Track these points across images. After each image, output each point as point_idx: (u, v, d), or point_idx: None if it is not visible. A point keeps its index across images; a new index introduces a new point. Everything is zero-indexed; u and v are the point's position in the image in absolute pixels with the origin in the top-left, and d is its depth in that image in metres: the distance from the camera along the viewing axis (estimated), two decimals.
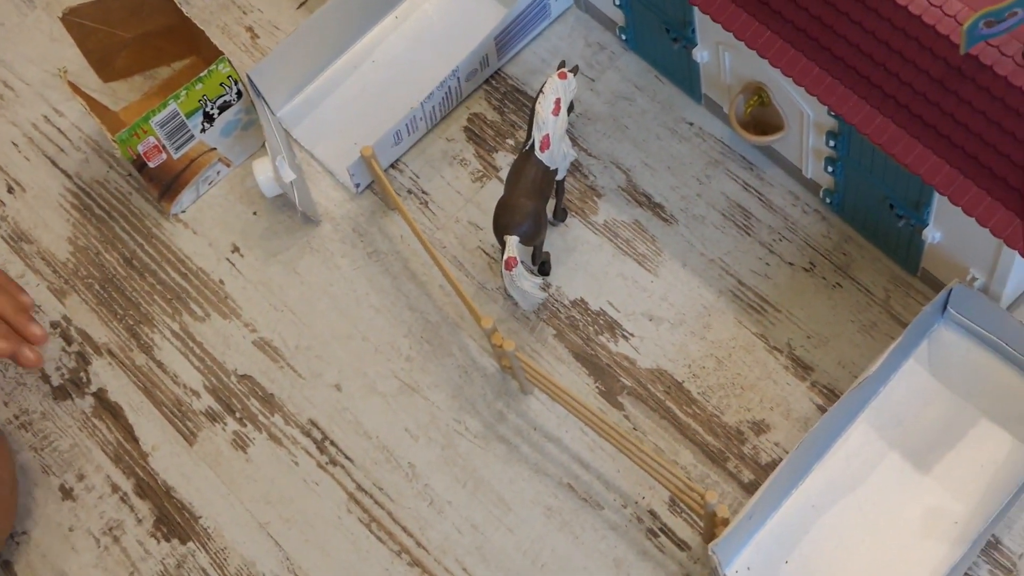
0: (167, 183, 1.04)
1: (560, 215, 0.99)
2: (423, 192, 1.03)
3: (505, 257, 0.89)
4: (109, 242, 1.06)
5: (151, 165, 1.01)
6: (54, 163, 1.10)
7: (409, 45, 1.09)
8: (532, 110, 0.94)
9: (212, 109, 1.02)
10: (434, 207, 1.03)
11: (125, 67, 1.11)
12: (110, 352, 1.02)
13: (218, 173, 1.06)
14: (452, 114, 1.06)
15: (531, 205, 0.92)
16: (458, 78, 1.02)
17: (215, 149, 1.05)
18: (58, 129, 1.12)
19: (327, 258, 1.02)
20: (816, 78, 0.82)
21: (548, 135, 0.92)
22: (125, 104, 1.10)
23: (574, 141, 1.03)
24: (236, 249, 1.04)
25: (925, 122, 0.78)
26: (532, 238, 0.91)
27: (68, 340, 1.03)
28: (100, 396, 1.00)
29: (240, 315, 1.01)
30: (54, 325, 1.03)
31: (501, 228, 0.91)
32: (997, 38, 0.74)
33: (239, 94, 1.03)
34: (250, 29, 1.13)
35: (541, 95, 0.93)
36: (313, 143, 1.06)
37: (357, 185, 1.03)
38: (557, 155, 0.93)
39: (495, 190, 1.02)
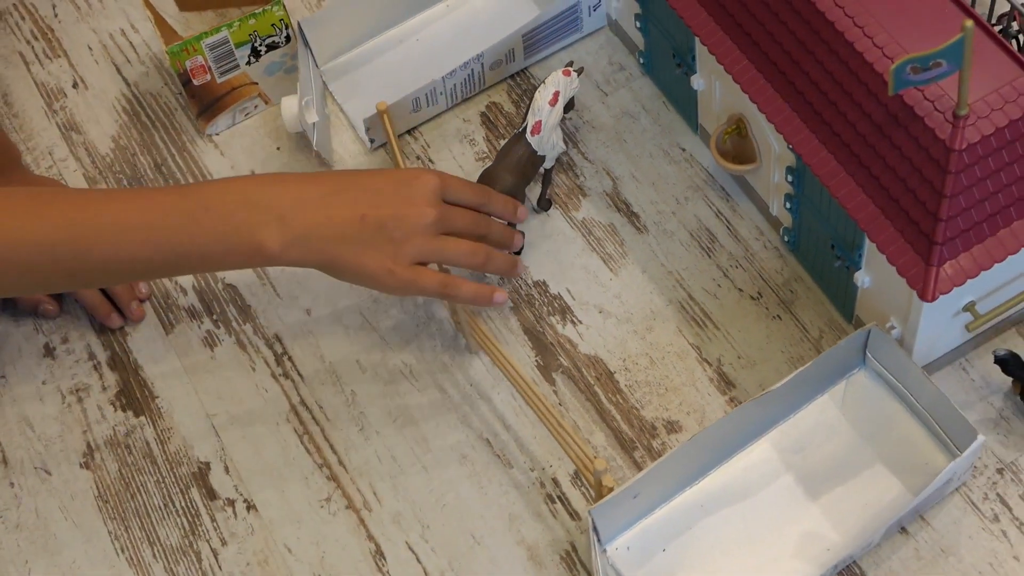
0: (208, 103, 1.13)
1: (544, 204, 1.05)
2: (429, 160, 1.11)
3: None
4: (146, 147, 1.15)
5: (195, 82, 1.10)
6: (118, 70, 1.20)
7: (453, 32, 1.17)
8: (532, 97, 1.01)
9: (260, 45, 1.11)
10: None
11: (201, 1, 1.21)
12: None
13: (255, 107, 1.15)
14: (474, 99, 1.13)
15: (511, 180, 0.99)
16: (482, 64, 1.10)
17: (257, 84, 1.13)
18: (130, 43, 1.22)
19: None
20: (777, 108, 0.88)
21: (540, 121, 0.99)
22: (192, 31, 1.19)
23: (571, 140, 1.10)
24: (252, 173, 1.12)
25: (861, 161, 0.84)
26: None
27: None
28: None
29: None
30: None
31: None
32: (933, 93, 0.79)
33: (287, 38, 1.11)
34: None
35: (543, 85, 1.00)
36: (345, 98, 1.15)
37: (372, 141, 1.11)
38: (546, 143, 1.00)
39: None
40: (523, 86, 1.14)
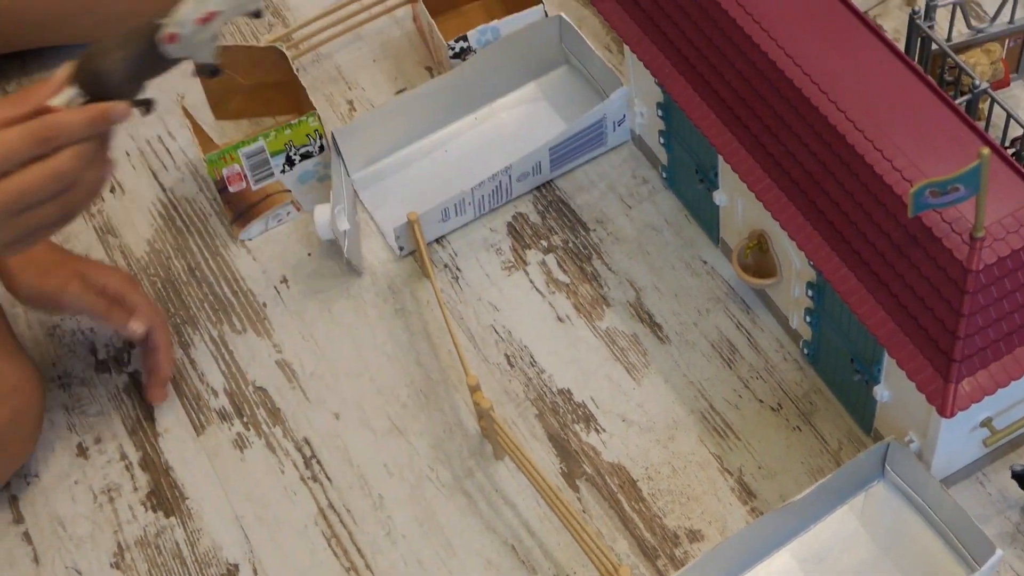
0: (242, 210, 1.16)
1: (205, 71, 0.94)
2: (457, 268, 1.14)
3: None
4: (180, 251, 1.18)
5: (231, 190, 1.14)
6: (155, 176, 1.24)
7: (481, 144, 1.20)
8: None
9: (295, 155, 1.14)
10: (463, 283, 1.13)
11: (236, 110, 1.25)
12: None
13: (288, 214, 1.18)
14: (500, 209, 1.17)
15: (120, 69, 0.88)
16: (509, 176, 1.14)
17: (290, 191, 1.17)
18: (166, 149, 1.26)
19: (359, 305, 1.13)
20: (799, 226, 0.92)
21: (177, 35, 0.88)
22: (227, 141, 1.23)
23: (595, 251, 1.13)
24: (285, 280, 1.15)
25: (880, 279, 0.87)
26: (93, 83, 0.88)
27: None
28: (134, 376, 1.11)
29: (271, 336, 1.12)
30: None
31: (85, 57, 0.89)
32: (951, 215, 0.82)
33: (321, 148, 1.15)
34: (350, 103, 1.27)
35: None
36: (375, 206, 1.18)
37: (401, 248, 1.14)
38: (177, 51, 0.89)
39: (520, 280, 1.12)
40: (548, 197, 1.17)
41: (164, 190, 1.23)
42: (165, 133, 1.27)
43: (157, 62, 0.90)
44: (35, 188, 0.83)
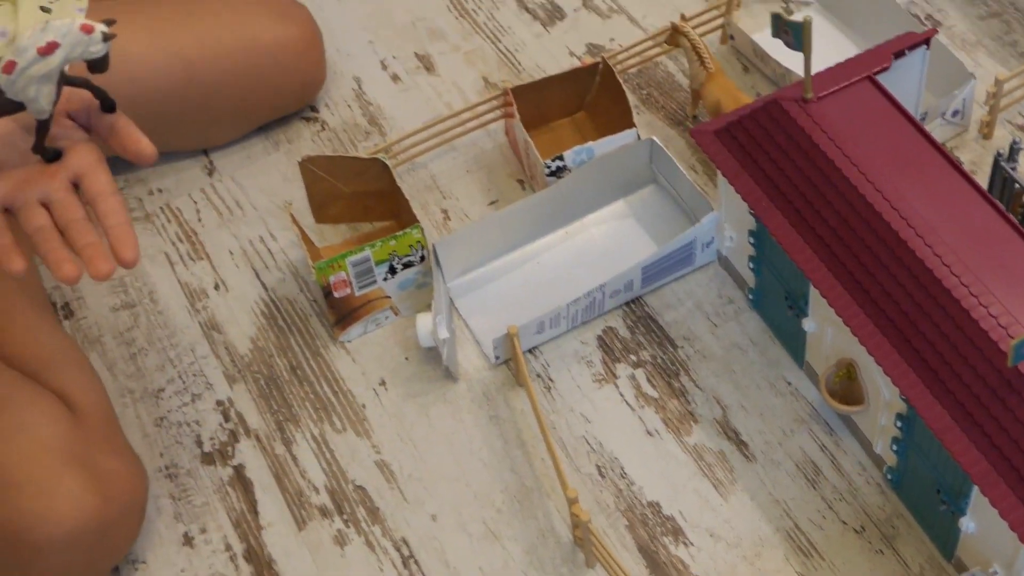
0: (344, 314, 1.22)
1: (44, 152, 0.87)
2: (549, 379, 1.19)
3: None
4: (283, 350, 1.24)
5: (336, 295, 1.20)
6: (257, 275, 1.30)
7: (571, 258, 1.26)
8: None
9: (397, 264, 1.20)
10: (555, 393, 1.18)
11: (336, 215, 1.31)
12: (257, 437, 1.18)
13: (386, 318, 1.24)
14: (591, 322, 1.22)
15: None
16: (603, 293, 1.19)
17: (389, 297, 1.22)
18: (268, 250, 1.32)
19: (456, 411, 1.18)
20: (893, 361, 0.97)
21: (15, 64, 0.80)
22: (327, 244, 1.29)
23: (683, 368, 1.18)
24: (383, 383, 1.20)
25: (974, 419, 0.92)
26: None
27: (226, 418, 1.20)
28: (239, 470, 1.16)
29: (371, 436, 1.17)
30: (219, 403, 1.21)
31: None
32: None
33: (422, 258, 1.21)
34: (444, 211, 1.32)
35: (42, 26, 0.81)
36: (470, 314, 1.24)
37: (497, 357, 1.20)
38: (21, 90, 0.81)
39: (610, 393, 1.18)
40: (637, 312, 1.23)
41: (266, 289, 1.28)
42: (267, 234, 1.33)
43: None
44: None
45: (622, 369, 1.19)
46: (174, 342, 1.25)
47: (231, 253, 1.32)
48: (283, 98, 1.38)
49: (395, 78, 1.44)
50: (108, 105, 0.85)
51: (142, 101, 1.28)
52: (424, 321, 1.17)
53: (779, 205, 1.08)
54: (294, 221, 1.22)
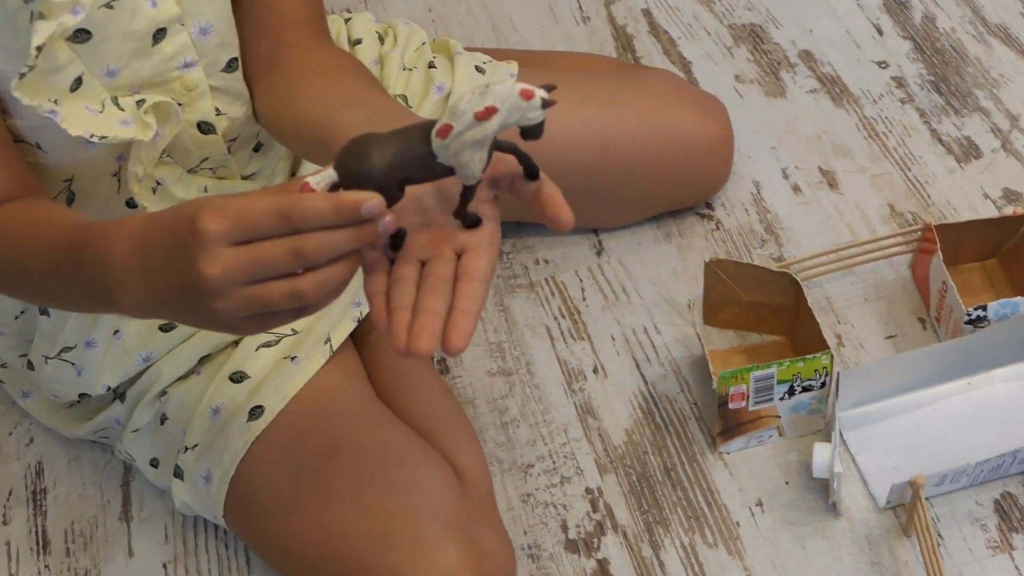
0: (732, 425, 1.19)
1: (466, 217, 0.82)
2: (939, 535, 1.13)
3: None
4: (658, 448, 1.22)
5: (730, 406, 1.17)
6: (638, 366, 1.28)
7: (972, 411, 1.20)
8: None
9: (797, 386, 1.17)
10: (944, 552, 1.12)
11: (727, 320, 1.29)
12: (625, 534, 1.16)
13: (770, 436, 1.21)
14: (989, 483, 1.16)
15: (380, 163, 0.78)
16: (1014, 458, 1.13)
17: (779, 417, 1.19)
18: (651, 342, 1.30)
19: (835, 549, 1.13)
20: None
21: (451, 128, 0.77)
22: (712, 348, 1.27)
23: None
24: (760, 503, 1.17)
25: None
26: (355, 188, 0.78)
27: (594, 507, 1.18)
28: (603, 565, 1.14)
29: (743, 558, 1.14)
30: (588, 490, 1.19)
31: (347, 148, 0.79)
32: None
33: (822, 384, 1.17)
34: (839, 336, 1.29)
35: (483, 89, 0.77)
36: (859, 450, 1.19)
37: (888, 502, 1.15)
38: (453, 155, 0.78)
39: (1004, 564, 1.11)
40: None
41: (646, 382, 1.27)
42: (651, 325, 1.31)
43: (424, 164, 0.78)
44: (267, 258, 0.75)
45: (1019, 540, 1.13)
46: (547, 419, 1.25)
47: (613, 339, 1.31)
48: (687, 192, 1.37)
49: (796, 189, 1.41)
50: (532, 173, 0.82)
51: (558, 173, 1.29)
52: (822, 452, 1.13)
53: None
54: (695, 322, 1.20)
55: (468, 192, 0.81)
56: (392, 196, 0.78)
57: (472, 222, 0.81)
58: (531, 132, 0.79)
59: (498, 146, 0.80)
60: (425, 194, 0.83)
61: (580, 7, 1.65)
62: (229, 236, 0.75)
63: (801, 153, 1.45)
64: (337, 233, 0.75)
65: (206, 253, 0.75)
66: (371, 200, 0.75)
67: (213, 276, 0.75)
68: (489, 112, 0.76)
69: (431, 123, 0.78)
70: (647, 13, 1.62)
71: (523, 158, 0.81)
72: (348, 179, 0.78)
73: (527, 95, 0.76)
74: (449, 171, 0.79)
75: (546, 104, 0.77)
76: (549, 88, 0.78)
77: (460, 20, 1.65)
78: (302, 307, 0.78)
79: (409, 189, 0.80)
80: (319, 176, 0.78)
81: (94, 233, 0.85)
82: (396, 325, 0.76)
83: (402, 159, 0.78)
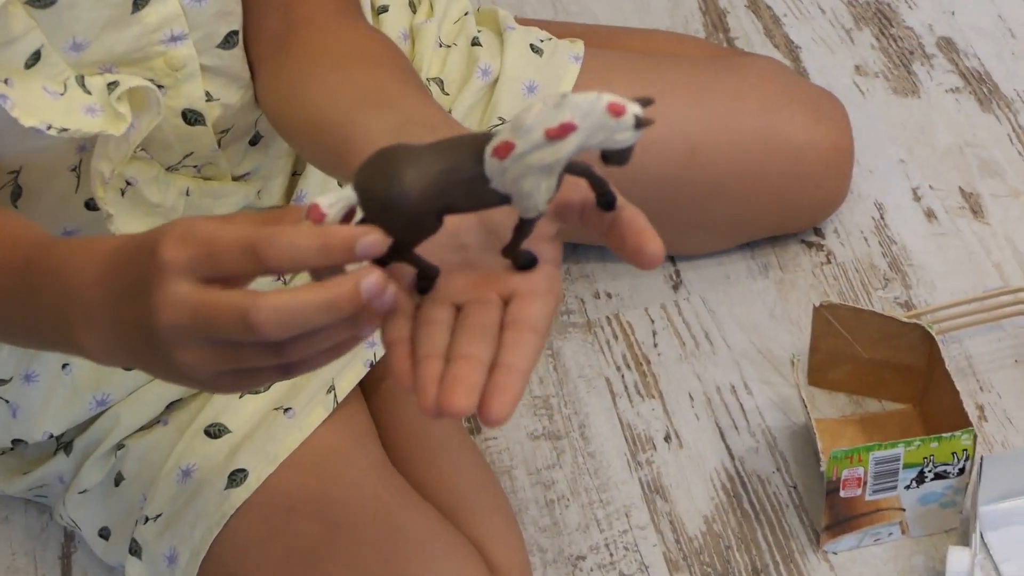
0: (841, 518, 1.15)
1: (519, 258, 0.78)
2: None
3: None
4: (745, 542, 1.18)
5: (842, 494, 1.13)
6: (722, 435, 1.26)
7: None
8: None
9: (929, 472, 1.13)
10: None
11: (838, 381, 1.26)
12: None
13: (890, 534, 1.17)
14: None
15: (417, 181, 0.72)
16: None
17: (903, 511, 1.15)
18: (740, 404, 1.27)
19: None
20: None
21: (512, 146, 0.72)
22: (818, 415, 1.24)
23: None
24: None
25: None
26: (380, 216, 0.72)
27: None
28: None
29: None
30: None
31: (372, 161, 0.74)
32: None
33: (960, 471, 1.13)
34: (980, 408, 1.25)
35: (559, 101, 0.72)
36: (1004, 556, 1.15)
37: None
38: (510, 181, 0.73)
39: None
40: None
41: (732, 457, 1.24)
42: (741, 383, 1.28)
43: (473, 190, 0.73)
44: (222, 322, 0.70)
45: None
46: (605, 498, 1.22)
47: (691, 398, 1.28)
48: (791, 213, 1.35)
49: (930, 215, 1.39)
50: (608, 202, 0.77)
51: (631, 186, 1.26)
52: (958, 557, 1.10)
53: None
54: (797, 380, 1.18)
55: (525, 226, 0.76)
56: (426, 227, 0.74)
57: (526, 262, 0.77)
58: (615, 157, 0.74)
59: (568, 168, 0.76)
60: (466, 226, 0.79)
61: None
62: (190, 268, 0.71)
63: (937, 169, 1.43)
64: (330, 291, 0.70)
65: (162, 290, 0.72)
66: (368, 238, 0.70)
67: (165, 322, 0.72)
68: (565, 130, 0.71)
69: (486, 137, 0.73)
70: None
71: (598, 184, 0.77)
72: (371, 204, 0.73)
73: (617, 110, 0.71)
74: (504, 200, 0.75)
75: (640, 124, 0.72)
76: (645, 103, 0.73)
77: None
78: (286, 365, 0.74)
79: (450, 222, 0.76)
80: (333, 197, 0.73)
81: (58, 254, 0.82)
82: (424, 376, 0.71)
83: (445, 182, 0.73)
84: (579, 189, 0.77)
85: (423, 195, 0.72)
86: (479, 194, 0.74)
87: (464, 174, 0.73)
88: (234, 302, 0.69)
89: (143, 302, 0.73)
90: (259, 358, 0.73)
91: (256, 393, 1.12)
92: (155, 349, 0.74)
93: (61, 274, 0.81)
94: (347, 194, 0.73)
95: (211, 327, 0.71)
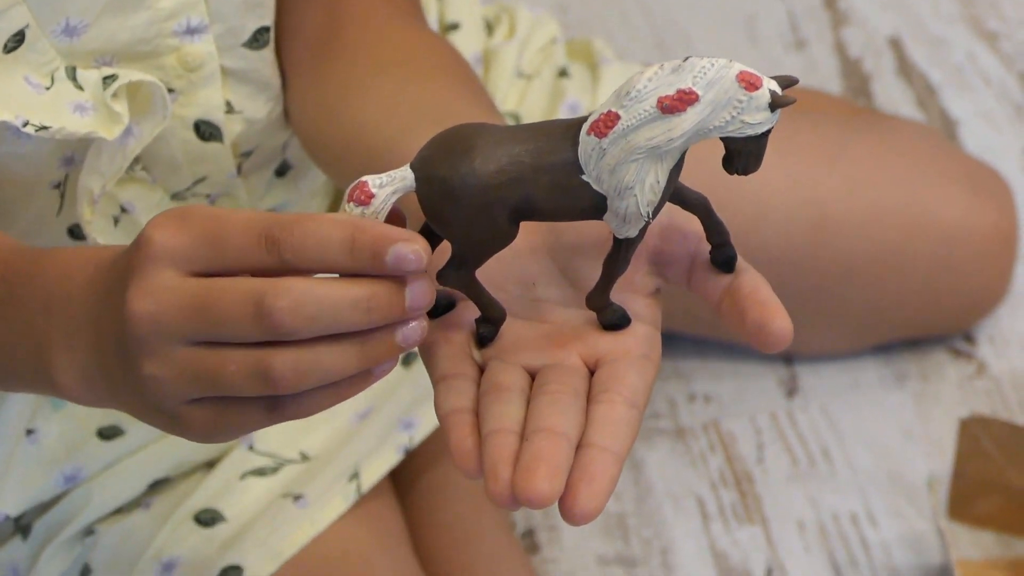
0: None
1: (611, 314, 0.73)
2: None
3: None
4: None
5: None
6: (837, 571, 1.20)
7: None
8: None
9: None
10: None
11: (984, 515, 1.20)
12: None
13: None
14: None
15: (482, 168, 0.68)
16: None
17: None
18: (861, 538, 1.22)
19: None
20: None
21: (618, 116, 0.66)
22: (962, 556, 1.17)
23: None
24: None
25: None
26: (438, 207, 0.68)
27: None
28: None
29: None
30: None
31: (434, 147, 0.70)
32: None
33: None
34: None
35: (679, 66, 0.66)
36: None
37: None
38: (607, 170, 0.68)
39: None
40: None
41: None
42: (863, 512, 1.23)
43: (558, 183, 0.68)
44: (222, 301, 0.67)
45: None
46: None
47: (802, 526, 1.23)
48: (937, 310, 1.31)
49: None
50: (725, 258, 0.72)
51: (743, 256, 1.20)
52: None
53: None
54: (936, 517, 1.14)
55: (621, 255, 0.71)
56: (496, 231, 0.68)
57: (617, 319, 0.72)
58: (744, 154, 0.69)
59: (681, 196, 0.71)
60: (538, 269, 0.75)
61: (793, 27, 1.63)
62: (186, 258, 0.67)
63: None
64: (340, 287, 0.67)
65: (142, 278, 0.67)
66: (409, 244, 0.65)
67: (140, 313, 0.67)
68: (684, 99, 0.65)
69: (584, 119, 0.68)
70: (895, 44, 1.59)
71: (716, 229, 0.72)
72: (428, 189, 0.68)
73: (750, 81, 0.65)
74: (596, 205, 0.69)
75: (776, 104, 0.66)
76: (787, 83, 0.68)
77: (609, 27, 1.63)
78: (273, 400, 0.69)
79: (514, 254, 0.71)
80: (386, 177, 0.68)
81: (43, 263, 0.78)
82: (495, 453, 0.66)
83: (523, 167, 0.68)
84: (691, 234, 0.73)
85: (495, 179, 0.67)
86: (566, 189, 0.68)
87: (550, 158, 0.68)
88: (247, 285, 0.66)
89: (120, 297, 0.69)
90: (246, 381, 0.67)
91: (263, 475, 1.08)
92: (128, 365, 0.70)
93: (45, 284, 0.77)
94: (403, 173, 0.68)
95: (210, 313, 0.66)
